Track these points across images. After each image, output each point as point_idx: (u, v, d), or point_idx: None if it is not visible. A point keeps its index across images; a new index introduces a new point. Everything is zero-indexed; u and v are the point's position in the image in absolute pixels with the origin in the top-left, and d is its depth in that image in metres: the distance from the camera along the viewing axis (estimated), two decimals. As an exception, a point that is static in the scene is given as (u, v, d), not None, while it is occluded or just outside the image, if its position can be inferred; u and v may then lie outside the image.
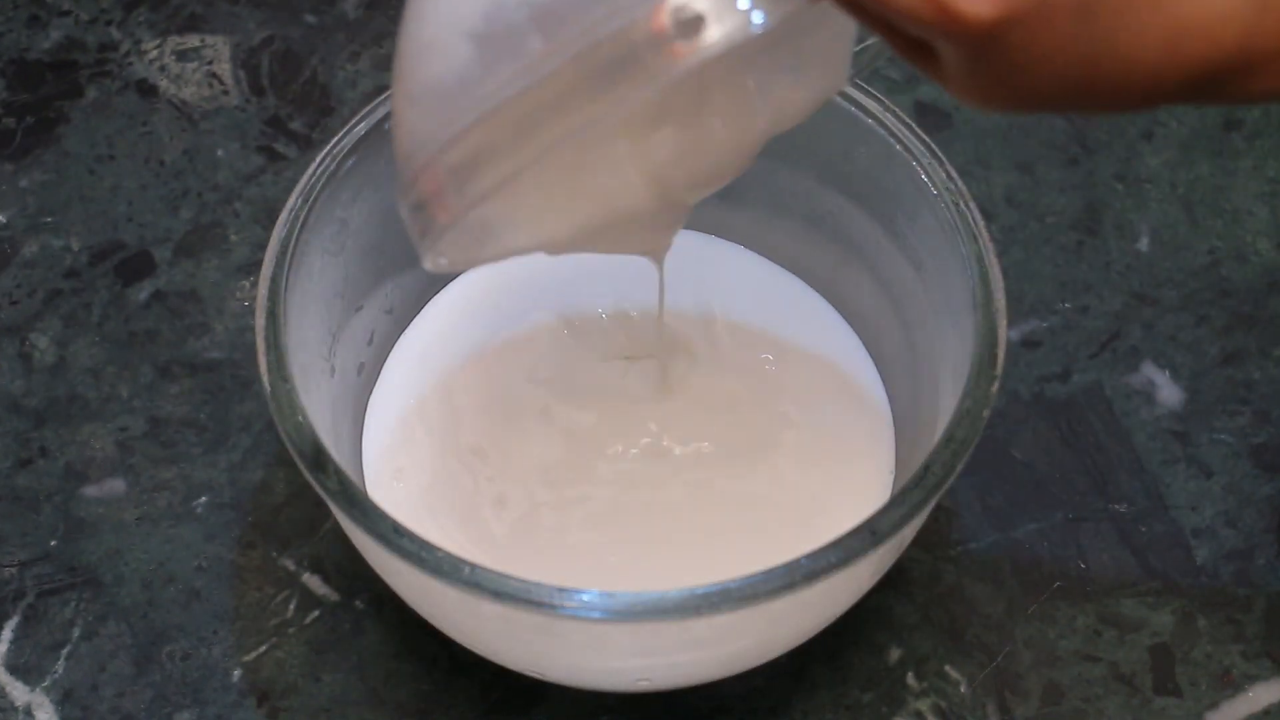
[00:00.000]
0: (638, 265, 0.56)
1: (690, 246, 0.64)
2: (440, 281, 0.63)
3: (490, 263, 0.48)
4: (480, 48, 0.40)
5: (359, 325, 0.60)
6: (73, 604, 0.60)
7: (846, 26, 0.47)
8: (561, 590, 0.47)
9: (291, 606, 0.60)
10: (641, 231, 0.52)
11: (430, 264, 0.46)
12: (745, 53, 0.43)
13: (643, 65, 0.38)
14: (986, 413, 0.51)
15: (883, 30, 0.40)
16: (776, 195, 0.62)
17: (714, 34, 0.37)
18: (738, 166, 0.49)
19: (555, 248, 0.50)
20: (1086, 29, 0.37)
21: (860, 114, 0.56)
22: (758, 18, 0.37)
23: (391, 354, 0.62)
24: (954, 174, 0.55)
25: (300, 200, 0.55)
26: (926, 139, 0.56)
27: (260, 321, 0.52)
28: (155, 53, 0.75)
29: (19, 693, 0.58)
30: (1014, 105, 0.40)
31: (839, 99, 0.56)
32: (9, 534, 0.62)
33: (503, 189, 0.41)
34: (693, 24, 0.37)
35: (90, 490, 0.63)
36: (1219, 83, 0.39)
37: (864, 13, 0.40)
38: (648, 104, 0.45)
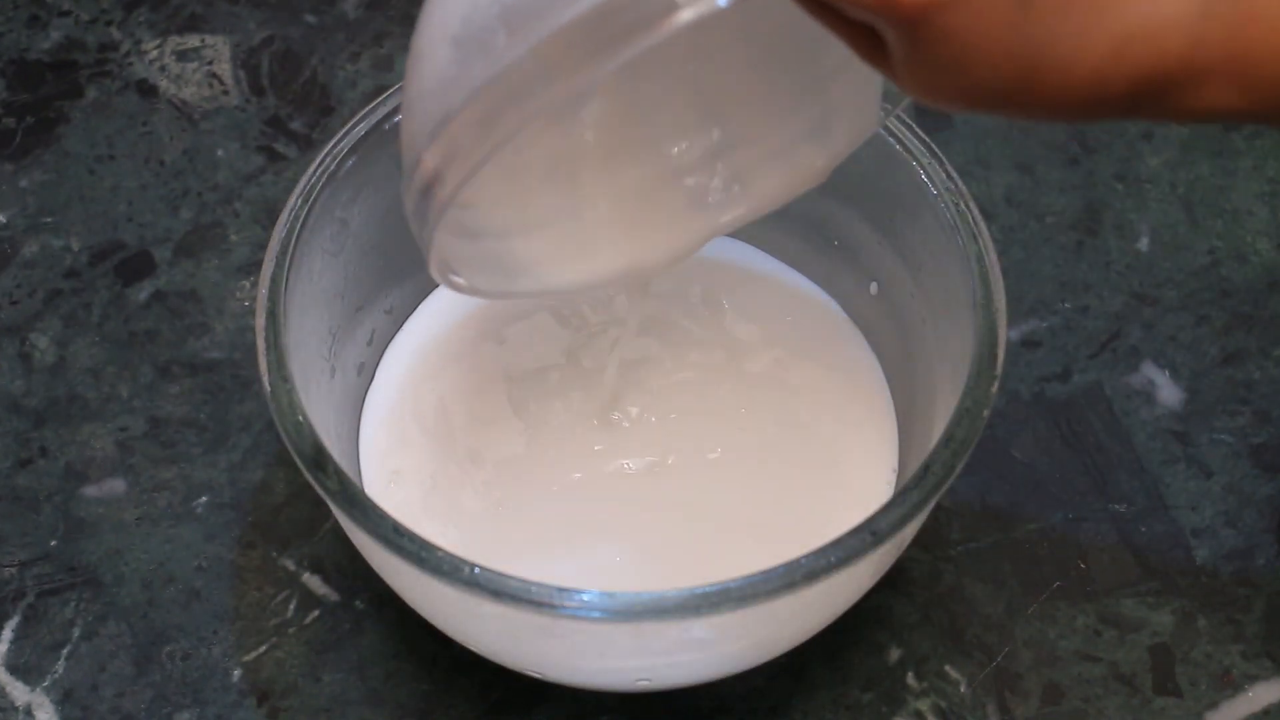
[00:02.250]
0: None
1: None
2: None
3: (515, 298, 0.52)
4: (457, 49, 0.43)
5: (359, 325, 0.60)
6: (73, 604, 0.60)
7: (869, 75, 0.48)
8: (561, 590, 0.47)
9: (291, 606, 0.60)
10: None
11: (436, 273, 0.48)
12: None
13: (609, 40, 0.40)
14: (986, 413, 0.51)
15: (833, 22, 0.41)
16: (776, 195, 0.62)
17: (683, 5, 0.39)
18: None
19: (580, 287, 0.53)
20: (1023, 20, 0.38)
21: (860, 114, 0.57)
22: None
23: (386, 355, 0.62)
24: (954, 174, 0.55)
25: (300, 200, 0.55)
26: (926, 139, 0.56)
27: (260, 321, 0.52)
28: (155, 53, 0.75)
29: (19, 693, 0.58)
30: (957, 98, 0.40)
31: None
32: (9, 534, 0.62)
33: (481, 170, 0.44)
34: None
35: (90, 490, 0.63)
36: (1163, 94, 0.40)
37: (811, 3, 0.41)
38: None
